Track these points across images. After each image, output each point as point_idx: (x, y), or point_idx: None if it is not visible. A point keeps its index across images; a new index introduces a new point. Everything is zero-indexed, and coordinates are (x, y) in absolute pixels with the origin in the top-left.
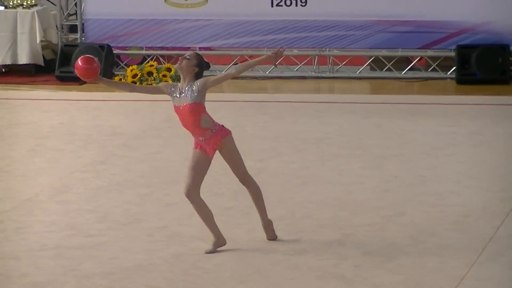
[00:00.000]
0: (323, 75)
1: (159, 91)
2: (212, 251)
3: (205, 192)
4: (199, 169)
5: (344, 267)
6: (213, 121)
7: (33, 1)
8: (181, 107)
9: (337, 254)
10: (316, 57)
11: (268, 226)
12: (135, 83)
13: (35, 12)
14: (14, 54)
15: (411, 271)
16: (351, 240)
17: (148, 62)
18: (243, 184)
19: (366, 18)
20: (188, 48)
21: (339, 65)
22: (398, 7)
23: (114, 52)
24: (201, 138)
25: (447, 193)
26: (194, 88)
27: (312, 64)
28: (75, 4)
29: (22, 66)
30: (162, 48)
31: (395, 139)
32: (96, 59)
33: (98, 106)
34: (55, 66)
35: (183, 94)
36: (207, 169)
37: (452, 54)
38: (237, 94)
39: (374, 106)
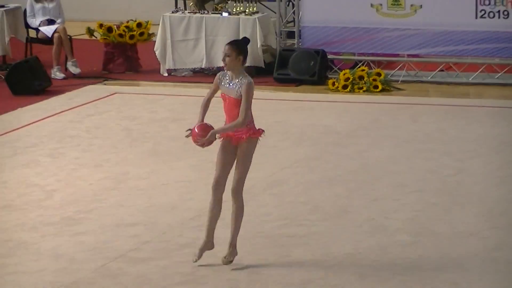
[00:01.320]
0: None
1: (214, 88)
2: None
3: (408, 188)
4: (224, 161)
5: None
6: (252, 118)
7: (254, 9)
8: (227, 97)
9: None
10: None
11: (233, 247)
12: (347, 86)
13: (256, 19)
14: None
15: None
16: None
17: (359, 67)
18: (232, 195)
19: None
20: (396, 55)
21: None
22: None
23: (328, 57)
24: None
25: None
26: (241, 87)
27: None
28: (293, 12)
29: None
30: (372, 54)
31: None
32: (211, 127)
33: (312, 106)
34: (273, 68)
35: (231, 86)
36: (234, 158)
37: None
38: (441, 99)
39: None
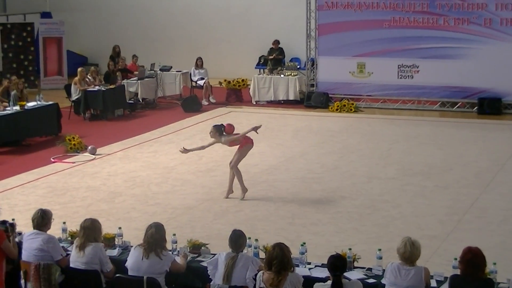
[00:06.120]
0: None
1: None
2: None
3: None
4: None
5: None
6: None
7: (296, 73)
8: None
9: None
10: None
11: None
12: (338, 109)
13: (297, 81)
14: None
15: None
16: None
17: (343, 100)
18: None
19: None
20: (361, 95)
21: None
22: None
23: (329, 95)
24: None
25: None
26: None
27: None
28: (314, 74)
29: None
30: (349, 95)
31: None
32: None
33: (322, 118)
34: (304, 100)
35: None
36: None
37: None
38: (385, 116)
39: None
